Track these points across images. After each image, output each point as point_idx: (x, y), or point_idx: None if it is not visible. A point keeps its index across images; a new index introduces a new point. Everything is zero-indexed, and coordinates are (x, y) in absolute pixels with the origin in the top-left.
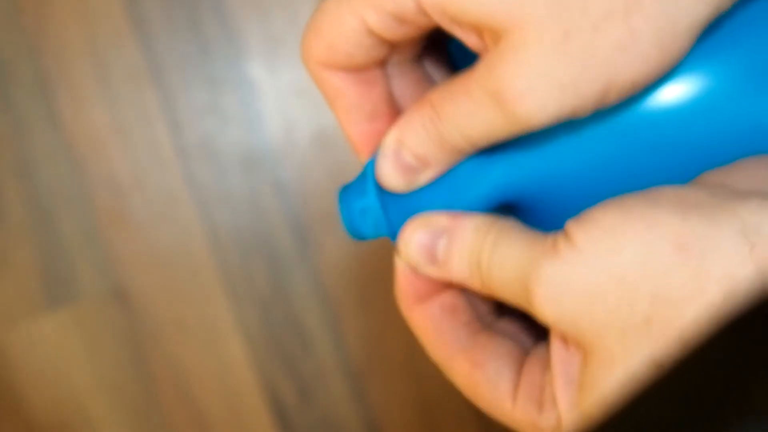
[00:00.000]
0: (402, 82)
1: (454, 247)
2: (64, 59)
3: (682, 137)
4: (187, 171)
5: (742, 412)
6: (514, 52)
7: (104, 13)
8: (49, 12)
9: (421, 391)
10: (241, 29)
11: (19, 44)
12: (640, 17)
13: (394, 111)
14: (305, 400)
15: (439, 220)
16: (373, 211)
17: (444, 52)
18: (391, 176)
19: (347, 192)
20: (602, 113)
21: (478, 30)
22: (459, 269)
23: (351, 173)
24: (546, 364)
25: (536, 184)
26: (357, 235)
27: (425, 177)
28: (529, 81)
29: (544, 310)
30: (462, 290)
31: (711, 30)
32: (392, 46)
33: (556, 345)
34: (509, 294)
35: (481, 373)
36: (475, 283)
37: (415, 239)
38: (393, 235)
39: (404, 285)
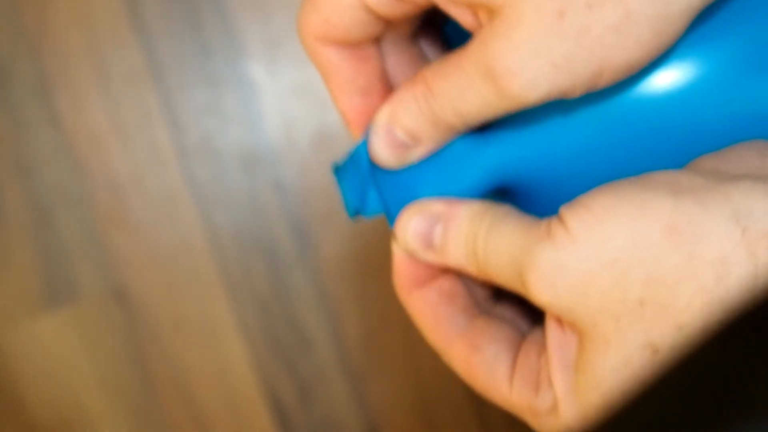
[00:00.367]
0: (397, 60)
1: (450, 234)
2: (64, 59)
3: (677, 121)
4: (187, 171)
5: (742, 412)
6: (508, 29)
7: (104, 13)
8: (49, 12)
9: (420, 391)
10: (241, 29)
11: (19, 44)
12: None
13: (388, 87)
14: (305, 400)
15: (434, 206)
16: (369, 190)
17: (439, 32)
18: (382, 152)
19: (344, 170)
20: (597, 96)
21: (474, 8)
22: (455, 255)
23: None
24: (542, 348)
25: (531, 167)
26: (355, 212)
27: (417, 154)
28: (522, 58)
29: (539, 295)
30: (459, 275)
31: (706, 14)
32: (388, 23)
33: (551, 328)
34: (505, 279)
35: (478, 357)
36: (471, 269)
37: (412, 226)
38: (388, 214)
39: (401, 271)
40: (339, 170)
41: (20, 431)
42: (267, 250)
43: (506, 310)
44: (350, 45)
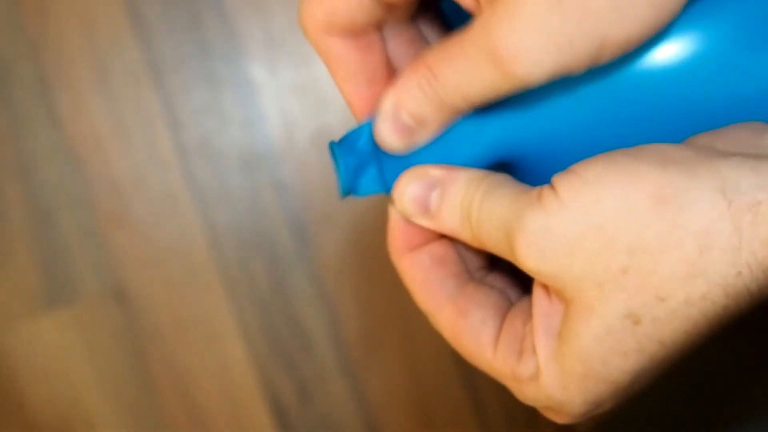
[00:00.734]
0: (397, 43)
1: (446, 199)
2: (64, 59)
3: (676, 98)
4: (187, 171)
5: (742, 412)
6: (509, 11)
7: (104, 13)
8: (49, 12)
9: (420, 390)
10: (241, 29)
11: (19, 44)
12: None
13: (392, 74)
14: (305, 400)
15: (433, 171)
16: (369, 170)
17: (438, 12)
18: (390, 138)
19: (342, 149)
20: (597, 72)
21: None
22: (450, 220)
23: None
24: (528, 316)
25: (531, 142)
26: (349, 191)
27: (423, 137)
28: (525, 39)
29: (526, 259)
30: (453, 242)
31: None
32: (389, 7)
33: (538, 295)
34: (495, 245)
35: (464, 322)
36: (465, 235)
37: (410, 190)
38: (388, 191)
39: (396, 234)
40: (336, 148)
41: (20, 431)
42: (267, 250)
43: (497, 279)
44: (354, 34)
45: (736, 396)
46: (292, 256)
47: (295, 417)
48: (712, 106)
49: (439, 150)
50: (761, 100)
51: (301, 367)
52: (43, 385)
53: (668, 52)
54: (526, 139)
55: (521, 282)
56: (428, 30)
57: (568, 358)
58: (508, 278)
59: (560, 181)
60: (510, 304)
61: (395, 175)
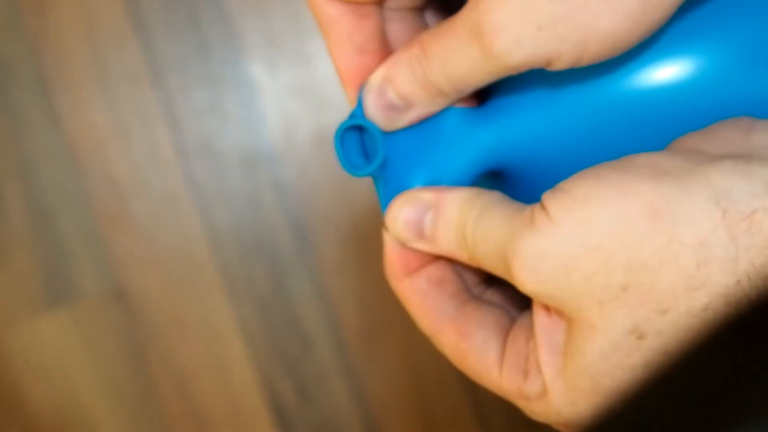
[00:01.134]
0: (400, 29)
1: (440, 222)
2: (64, 59)
3: (669, 109)
4: (187, 171)
5: (742, 412)
6: None
7: (104, 14)
8: (49, 12)
9: (420, 391)
10: (241, 29)
11: (19, 44)
12: None
13: (385, 49)
14: (305, 400)
15: (424, 195)
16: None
17: (445, 4)
18: (374, 113)
19: (344, 130)
20: (590, 80)
21: None
22: (446, 242)
23: None
24: (530, 333)
25: (523, 150)
26: (352, 170)
27: (408, 118)
28: (506, 16)
29: (524, 282)
30: (450, 261)
31: (699, 3)
32: None
33: (538, 314)
34: (493, 266)
35: (467, 343)
36: (462, 256)
37: (402, 215)
38: (381, 199)
39: (392, 259)
40: (342, 130)
41: (20, 431)
42: (267, 250)
43: (497, 295)
44: (351, 0)
45: (736, 396)
46: (292, 256)
47: (295, 417)
48: (705, 118)
49: (431, 155)
50: (753, 113)
51: (301, 367)
52: (43, 385)
53: (662, 63)
54: (518, 145)
55: (521, 295)
56: (435, 23)
57: (574, 374)
58: (508, 292)
59: (550, 200)
60: (511, 320)
61: (386, 181)
